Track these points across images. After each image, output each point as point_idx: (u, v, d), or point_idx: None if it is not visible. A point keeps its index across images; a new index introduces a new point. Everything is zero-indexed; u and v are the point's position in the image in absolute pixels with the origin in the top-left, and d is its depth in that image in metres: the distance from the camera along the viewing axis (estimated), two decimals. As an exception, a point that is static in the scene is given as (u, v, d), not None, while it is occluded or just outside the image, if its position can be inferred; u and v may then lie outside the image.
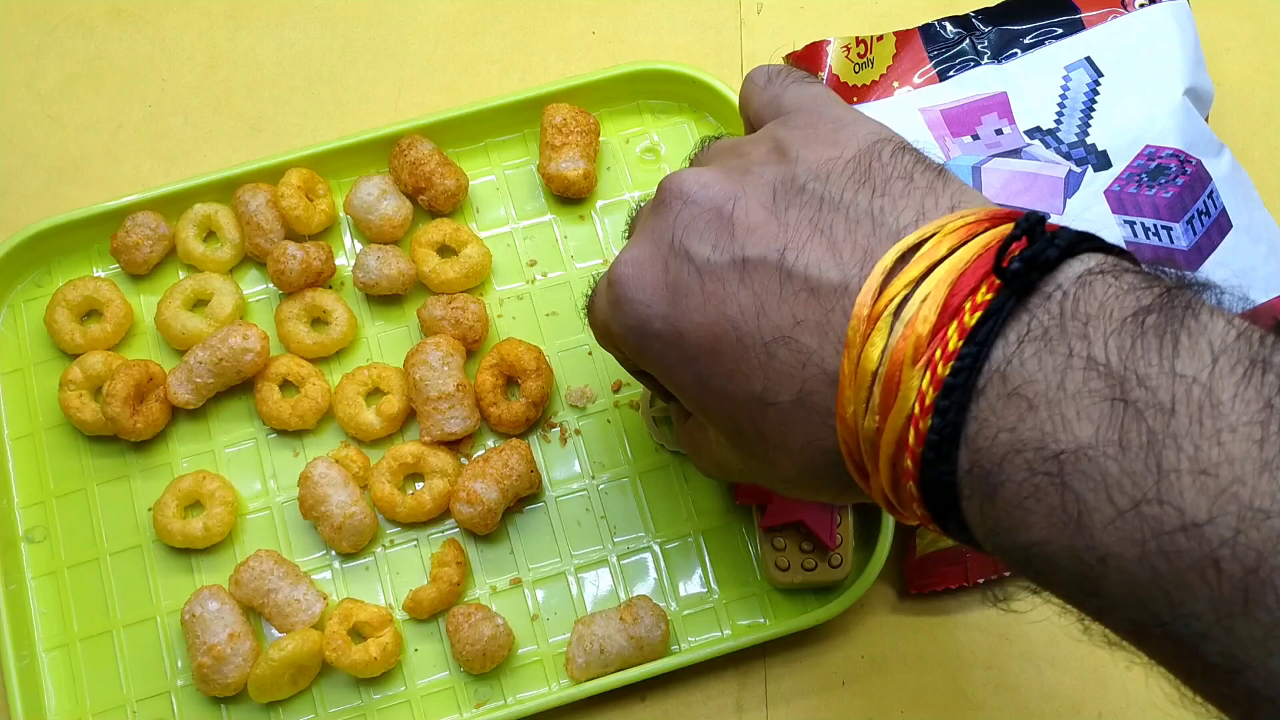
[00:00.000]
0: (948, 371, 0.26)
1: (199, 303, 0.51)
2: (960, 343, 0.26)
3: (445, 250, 0.52)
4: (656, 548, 0.49)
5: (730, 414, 0.32)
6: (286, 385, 0.50)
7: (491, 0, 0.58)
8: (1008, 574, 0.48)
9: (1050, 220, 0.27)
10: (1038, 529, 0.25)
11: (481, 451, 0.49)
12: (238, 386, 0.50)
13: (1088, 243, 0.27)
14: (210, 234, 0.52)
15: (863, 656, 0.48)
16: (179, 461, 0.50)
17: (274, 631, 0.47)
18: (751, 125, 0.38)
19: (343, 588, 0.48)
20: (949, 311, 0.26)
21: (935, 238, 0.28)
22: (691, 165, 0.37)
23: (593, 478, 0.50)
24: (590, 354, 0.51)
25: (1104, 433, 0.24)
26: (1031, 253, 0.26)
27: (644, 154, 0.54)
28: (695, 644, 0.47)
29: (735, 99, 0.53)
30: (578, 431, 0.50)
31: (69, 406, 0.49)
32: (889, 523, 0.47)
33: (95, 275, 0.52)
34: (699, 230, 0.32)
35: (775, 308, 0.30)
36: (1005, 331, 0.26)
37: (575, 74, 0.54)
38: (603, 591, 0.48)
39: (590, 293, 0.39)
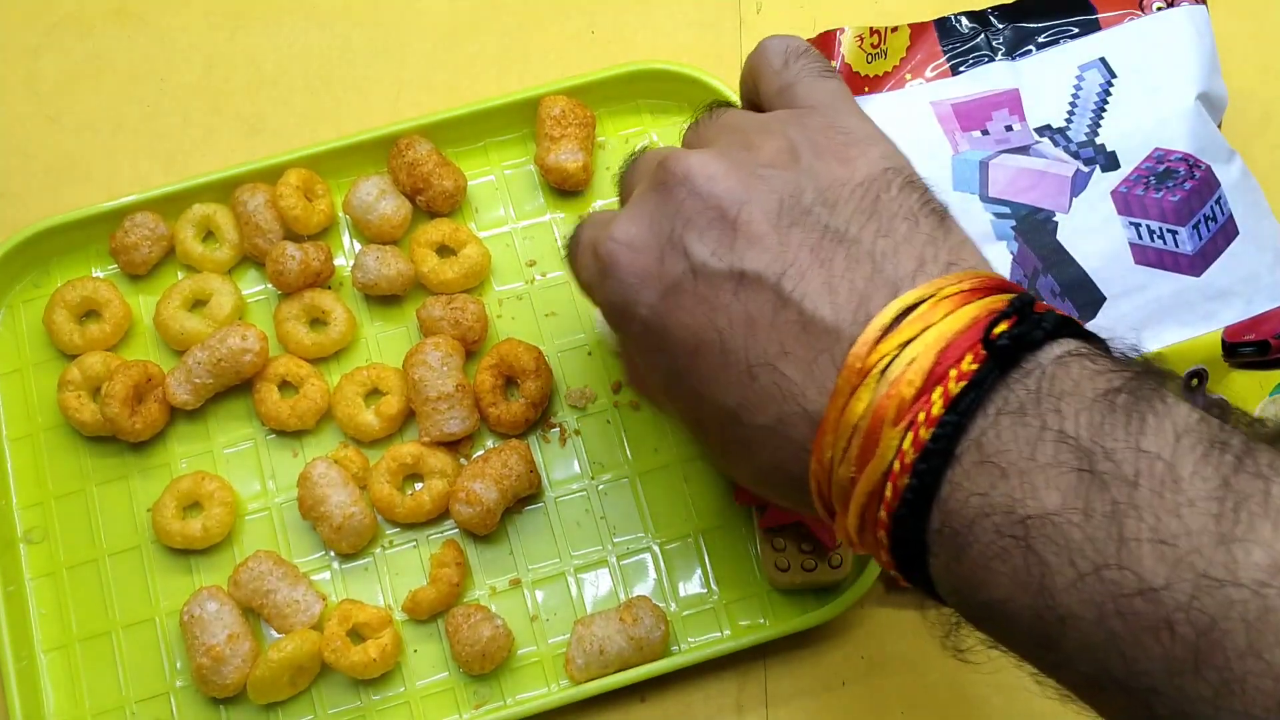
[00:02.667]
0: (929, 436, 0.27)
1: (198, 303, 0.51)
2: (944, 410, 0.27)
3: (444, 250, 0.52)
4: (656, 548, 0.49)
5: (697, 413, 0.33)
6: (285, 386, 0.50)
7: (490, 0, 0.58)
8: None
9: (1039, 300, 0.29)
10: (1001, 588, 0.26)
11: (481, 452, 0.49)
12: (236, 387, 0.50)
13: (1069, 328, 0.29)
14: (209, 234, 0.52)
15: (863, 657, 0.48)
16: (178, 462, 0.50)
17: (273, 632, 0.47)
18: (754, 102, 0.37)
19: (342, 588, 0.48)
20: (934, 377, 0.27)
21: (930, 301, 0.29)
22: (691, 134, 0.37)
23: (592, 478, 0.49)
24: (590, 354, 0.51)
25: (1070, 501, 0.25)
26: (1020, 332, 0.27)
27: (643, 154, 0.54)
28: (695, 644, 0.47)
29: (735, 99, 0.53)
30: (577, 432, 0.50)
31: (68, 407, 0.49)
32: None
33: (94, 275, 0.52)
34: (700, 228, 0.32)
35: (765, 331, 0.30)
36: (985, 403, 0.27)
37: (574, 74, 0.54)
38: (602, 592, 0.48)
39: (571, 240, 0.38)
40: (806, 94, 0.35)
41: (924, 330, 0.28)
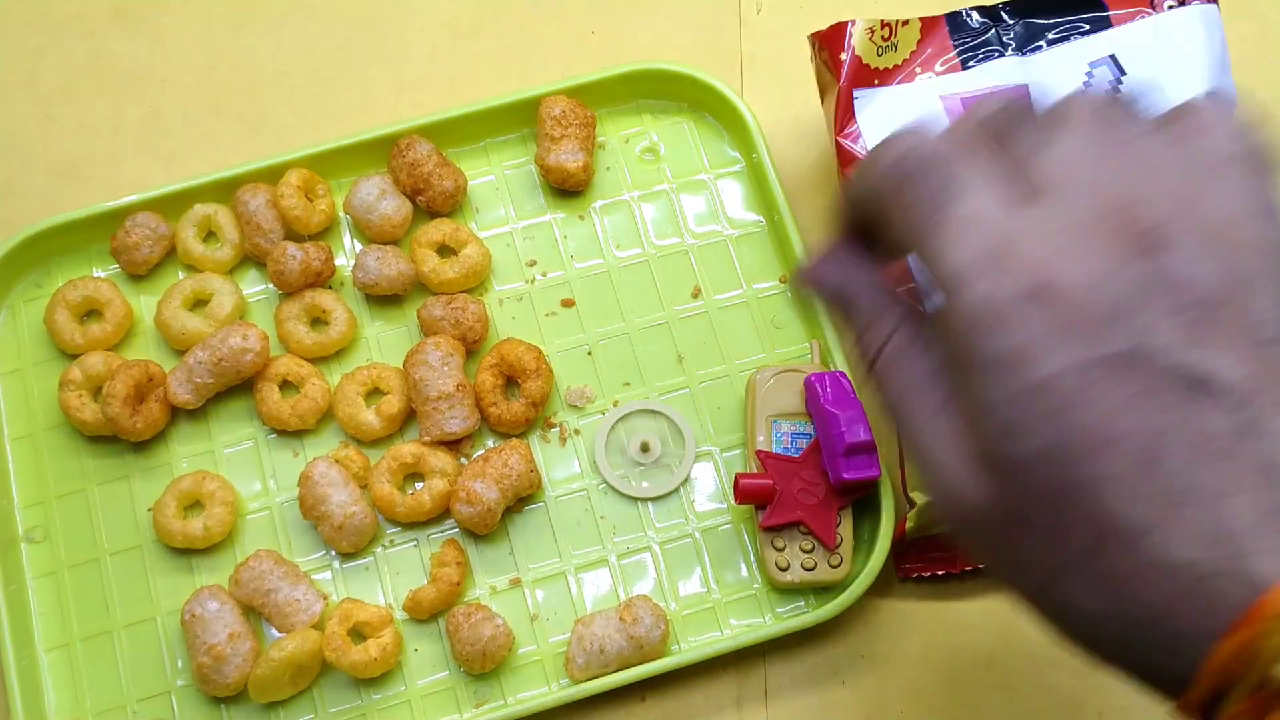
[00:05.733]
0: None
1: (199, 303, 0.51)
2: None
3: (445, 250, 0.52)
4: (656, 548, 0.49)
5: (1056, 511, 0.26)
6: (286, 385, 0.50)
7: (491, 0, 0.58)
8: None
9: None
10: None
11: (481, 451, 0.49)
12: (237, 387, 0.50)
13: None
14: (210, 234, 0.52)
15: (862, 656, 0.48)
16: (179, 462, 0.50)
17: (274, 632, 0.47)
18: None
19: (342, 588, 0.48)
20: None
21: None
22: (1125, 154, 0.28)
23: (592, 478, 0.50)
24: (590, 354, 0.51)
25: None
26: None
27: (643, 154, 0.54)
28: (695, 644, 0.47)
29: (734, 99, 0.53)
30: (577, 431, 0.50)
31: (69, 407, 0.49)
32: (888, 523, 0.47)
33: (95, 275, 0.52)
34: (1171, 307, 0.25)
35: (1213, 457, 0.24)
36: None
37: (574, 74, 0.54)
38: (602, 591, 0.48)
39: (935, 188, 0.27)
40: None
41: None
